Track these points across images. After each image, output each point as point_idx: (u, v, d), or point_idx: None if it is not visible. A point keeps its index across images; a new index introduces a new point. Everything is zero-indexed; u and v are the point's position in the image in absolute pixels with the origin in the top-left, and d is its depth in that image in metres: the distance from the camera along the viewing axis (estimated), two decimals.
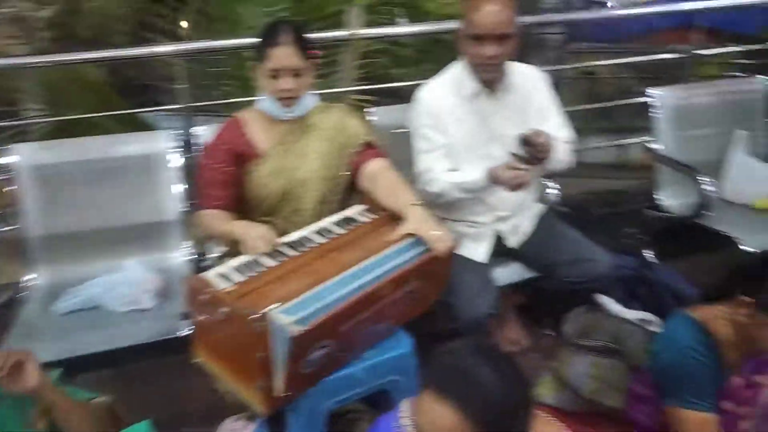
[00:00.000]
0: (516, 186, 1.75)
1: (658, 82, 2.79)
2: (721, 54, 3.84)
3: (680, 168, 2.38)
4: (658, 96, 2.44)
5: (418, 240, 1.52)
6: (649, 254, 2.37)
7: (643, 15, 3.58)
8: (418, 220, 1.54)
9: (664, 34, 3.82)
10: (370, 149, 1.79)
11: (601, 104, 3.83)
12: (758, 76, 2.56)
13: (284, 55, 1.62)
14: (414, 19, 4.56)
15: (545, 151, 1.71)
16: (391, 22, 4.52)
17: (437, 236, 1.50)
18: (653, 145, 2.44)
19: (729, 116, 2.48)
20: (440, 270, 1.60)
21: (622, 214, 2.85)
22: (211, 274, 1.43)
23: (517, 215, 2.02)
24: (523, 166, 1.71)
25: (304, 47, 1.66)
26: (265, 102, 1.73)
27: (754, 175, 2.35)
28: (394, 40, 4.29)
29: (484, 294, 1.85)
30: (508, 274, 2.02)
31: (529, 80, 1.98)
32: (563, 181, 2.18)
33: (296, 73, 1.65)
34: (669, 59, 3.15)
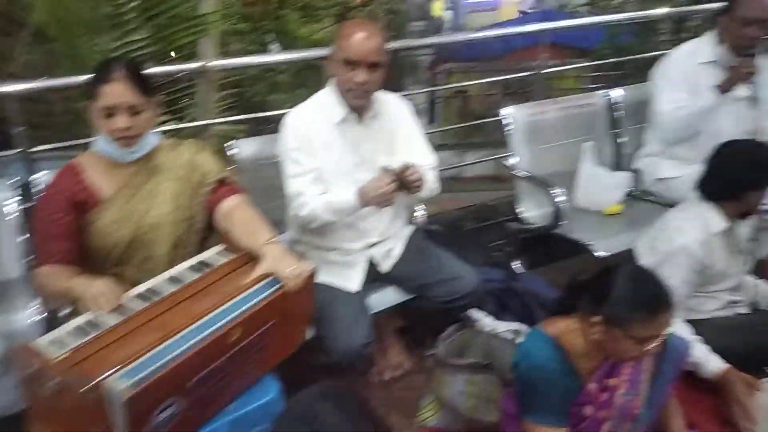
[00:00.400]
0: (382, 201, 1.76)
1: (521, 97, 2.93)
2: (576, 68, 4.14)
3: (534, 181, 2.50)
4: (510, 114, 2.55)
5: (275, 279, 1.47)
6: (516, 265, 2.46)
7: (499, 36, 3.78)
8: (274, 259, 1.49)
9: (521, 52, 4.06)
10: (225, 186, 1.71)
11: (471, 122, 3.99)
12: (600, 91, 2.76)
13: (117, 91, 1.52)
14: (285, 45, 4.53)
15: (417, 185, 1.77)
16: (263, 50, 4.47)
17: (291, 271, 1.46)
18: (510, 160, 2.55)
19: (576, 129, 2.64)
20: (299, 306, 1.54)
21: (492, 227, 2.95)
22: (43, 341, 1.28)
23: (389, 239, 2.03)
24: (388, 179, 1.73)
25: (141, 83, 1.56)
26: (100, 143, 1.60)
27: (601, 184, 2.49)
28: (269, 67, 4.24)
29: (357, 323, 1.83)
30: (384, 298, 2.01)
31: (395, 108, 2.01)
32: (440, 197, 2.22)
33: (133, 111, 1.55)
34: (527, 76, 3.33)
